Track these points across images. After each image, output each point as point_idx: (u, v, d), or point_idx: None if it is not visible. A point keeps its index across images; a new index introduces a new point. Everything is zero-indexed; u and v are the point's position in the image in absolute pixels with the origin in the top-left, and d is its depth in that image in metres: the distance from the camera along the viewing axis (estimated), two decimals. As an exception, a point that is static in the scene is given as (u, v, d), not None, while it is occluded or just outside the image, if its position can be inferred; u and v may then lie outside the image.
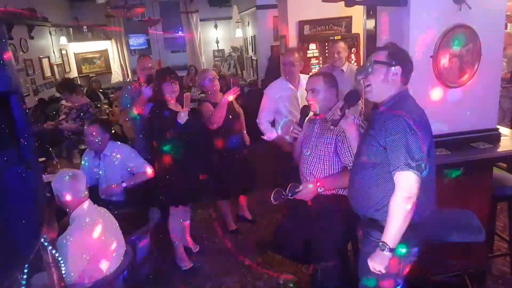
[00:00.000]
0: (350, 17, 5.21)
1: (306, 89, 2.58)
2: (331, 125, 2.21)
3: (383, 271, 1.82)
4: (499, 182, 2.82)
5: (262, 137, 3.69)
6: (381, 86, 1.90)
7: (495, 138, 2.81)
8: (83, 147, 3.91)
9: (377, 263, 1.81)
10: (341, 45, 4.06)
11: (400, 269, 1.93)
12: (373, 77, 1.90)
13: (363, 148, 2.00)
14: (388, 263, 1.80)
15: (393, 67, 1.86)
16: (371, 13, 3.01)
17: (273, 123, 3.71)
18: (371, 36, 3.02)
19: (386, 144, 1.80)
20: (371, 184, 1.92)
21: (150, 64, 3.78)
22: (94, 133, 3.10)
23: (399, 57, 1.89)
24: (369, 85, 1.93)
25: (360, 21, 4.24)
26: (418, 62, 2.59)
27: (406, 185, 1.75)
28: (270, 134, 3.64)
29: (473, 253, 2.49)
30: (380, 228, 1.84)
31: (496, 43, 2.70)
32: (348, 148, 2.35)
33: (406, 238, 1.79)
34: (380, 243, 1.79)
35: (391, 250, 1.77)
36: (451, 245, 2.39)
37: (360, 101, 2.94)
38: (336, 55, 4.00)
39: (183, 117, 3.03)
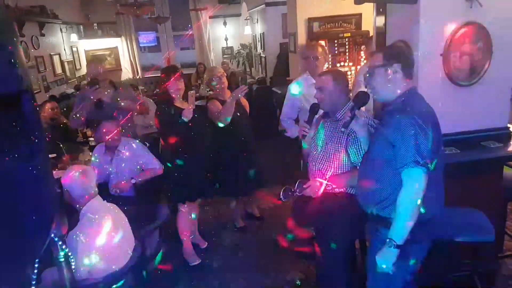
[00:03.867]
0: (359, 14, 5.18)
1: (315, 87, 2.56)
2: (342, 127, 2.24)
3: (390, 268, 1.83)
4: (510, 181, 2.79)
5: (285, 134, 3.65)
6: (385, 87, 1.95)
7: (506, 137, 2.78)
8: (93, 143, 3.94)
9: (385, 260, 1.83)
10: None
11: (409, 266, 1.93)
12: (375, 81, 1.97)
13: (374, 146, 2.04)
14: (395, 260, 1.81)
15: (390, 67, 1.91)
16: (381, 10, 2.98)
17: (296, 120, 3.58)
18: (381, 34, 3.00)
19: (395, 141, 1.82)
20: (380, 181, 1.94)
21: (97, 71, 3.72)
22: (108, 130, 3.12)
23: (394, 55, 1.95)
24: (374, 88, 1.99)
25: (370, 19, 4.21)
26: (428, 60, 2.58)
27: (414, 182, 1.77)
28: (292, 132, 3.54)
29: (482, 253, 2.48)
30: (388, 224, 1.86)
31: (507, 41, 2.66)
32: (358, 148, 2.34)
33: (415, 234, 1.80)
34: (387, 240, 1.81)
35: (398, 246, 1.79)
36: (460, 245, 2.37)
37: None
38: None
39: (188, 115, 3.05)
